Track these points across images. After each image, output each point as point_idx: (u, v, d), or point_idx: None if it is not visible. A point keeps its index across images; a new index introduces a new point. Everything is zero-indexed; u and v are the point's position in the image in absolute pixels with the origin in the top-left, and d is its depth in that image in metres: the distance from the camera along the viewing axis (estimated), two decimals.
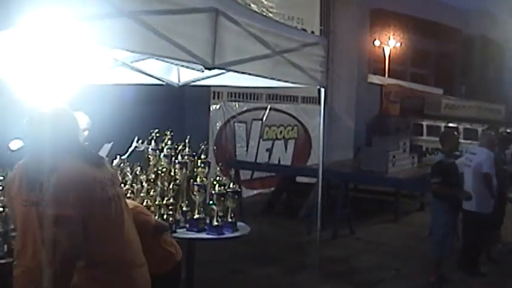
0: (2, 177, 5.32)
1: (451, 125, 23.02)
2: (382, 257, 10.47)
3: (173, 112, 11.86)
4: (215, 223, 6.22)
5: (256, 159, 16.70)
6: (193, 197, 6.32)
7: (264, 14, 13.89)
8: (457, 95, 34.61)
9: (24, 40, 4.72)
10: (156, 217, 5.79)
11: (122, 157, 5.97)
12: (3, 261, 4.66)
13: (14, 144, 5.84)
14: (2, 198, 4.97)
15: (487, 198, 9.00)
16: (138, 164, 5.93)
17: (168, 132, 6.46)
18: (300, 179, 14.64)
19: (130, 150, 6.35)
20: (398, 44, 41.00)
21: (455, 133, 10.47)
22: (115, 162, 5.83)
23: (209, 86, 12.01)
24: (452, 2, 43.80)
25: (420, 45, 45.11)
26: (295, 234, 11.49)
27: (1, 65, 5.66)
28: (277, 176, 15.61)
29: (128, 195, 5.52)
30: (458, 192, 8.62)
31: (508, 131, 22.85)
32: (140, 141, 6.38)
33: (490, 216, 9.09)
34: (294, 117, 18.61)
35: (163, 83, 7.21)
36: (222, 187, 6.34)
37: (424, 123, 24.36)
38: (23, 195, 4.06)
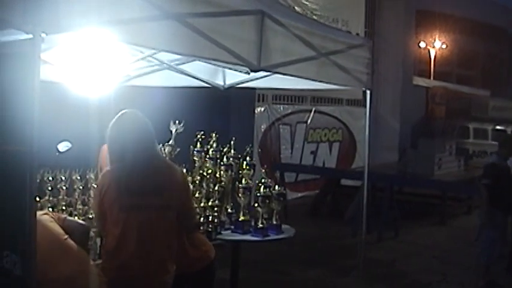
0: (51, 178, 5.42)
1: (498, 127, 22.66)
2: (428, 260, 10.33)
3: (218, 114, 11.91)
4: (260, 225, 6.22)
5: (300, 161, 16.67)
6: (238, 199, 6.33)
7: (309, 16, 13.88)
8: (505, 96, 34.05)
9: (75, 45, 4.80)
10: (202, 219, 5.81)
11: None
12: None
13: (62, 146, 5.92)
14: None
15: None
16: (184, 165, 5.97)
17: (214, 135, 6.49)
18: (344, 181, 14.55)
19: None
20: (443, 46, 40.54)
21: None
22: None
23: (254, 89, 12.05)
24: (499, 1, 43.11)
25: (466, 46, 44.54)
26: (340, 237, 11.44)
27: (57, 69, 5.77)
28: (321, 178, 15.54)
29: None
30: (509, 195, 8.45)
31: None
32: None
33: None
34: (338, 119, 18.52)
35: (209, 86, 7.25)
36: (267, 189, 6.34)
37: (471, 125, 24.05)
38: (122, 201, 4.09)
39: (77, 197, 5.47)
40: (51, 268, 3.84)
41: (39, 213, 4.52)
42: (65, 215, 4.61)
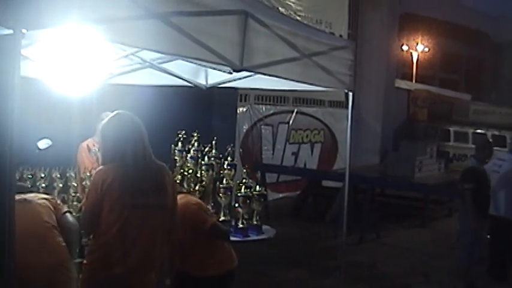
0: (30, 176, 5.38)
1: (479, 131, 22.81)
2: (410, 262, 10.38)
3: (200, 114, 11.88)
4: (240, 225, 6.24)
5: (282, 162, 16.67)
6: (219, 199, 6.33)
7: (293, 17, 13.88)
8: (486, 100, 34.27)
9: (56, 42, 4.76)
10: None
11: None
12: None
13: (42, 143, 5.89)
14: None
15: None
16: (165, 164, 5.96)
17: (195, 134, 6.48)
18: (326, 183, 14.58)
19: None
20: (426, 49, 40.73)
21: (491, 141, 10.37)
22: None
23: (237, 89, 12.03)
24: (482, 7, 43.51)
25: (449, 50, 44.76)
26: (322, 238, 11.46)
27: (39, 65, 5.72)
28: (303, 179, 15.56)
29: None
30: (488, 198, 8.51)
31: None
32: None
33: None
34: (320, 121, 18.55)
35: (191, 85, 7.23)
36: (248, 190, 6.34)
37: (452, 129, 24.19)
38: (126, 199, 4.09)
39: (56, 195, 5.44)
40: (32, 255, 3.90)
41: (41, 195, 4.55)
42: (67, 210, 4.61)
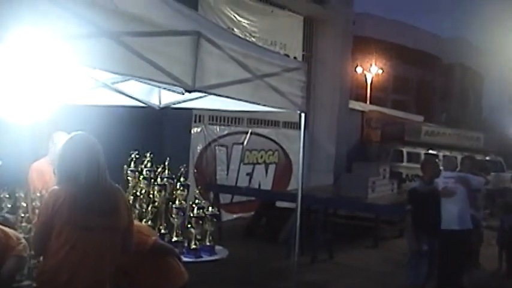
0: None
1: (431, 152, 23.17)
2: (361, 282, 10.46)
3: (154, 134, 11.84)
4: (193, 246, 6.22)
5: (236, 183, 16.67)
6: (171, 219, 6.31)
7: (248, 38, 13.97)
8: (437, 122, 34.93)
9: (5, 58, 4.70)
10: None
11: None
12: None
13: None
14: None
15: (467, 214, 9.08)
16: (117, 185, 5.91)
17: (148, 154, 6.45)
18: (280, 203, 14.60)
19: None
20: (380, 71, 41.31)
21: (437, 161, 10.58)
22: None
23: (191, 109, 12.03)
24: (433, 30, 44.63)
25: (401, 72, 45.57)
26: (274, 259, 11.45)
27: None
28: (257, 200, 15.56)
29: None
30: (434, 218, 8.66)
31: (487, 158, 23.11)
32: None
33: (470, 233, 9.17)
34: (275, 141, 18.63)
35: (145, 105, 7.20)
36: (201, 210, 6.33)
37: (404, 149, 24.54)
38: (76, 220, 4.04)
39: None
40: None
41: None
42: (22, 243, 4.50)
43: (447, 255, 9.00)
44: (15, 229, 4.79)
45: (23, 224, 5.07)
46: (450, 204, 8.96)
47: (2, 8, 2.98)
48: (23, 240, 4.45)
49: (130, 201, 5.92)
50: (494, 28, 51.69)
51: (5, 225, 4.51)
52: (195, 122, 15.12)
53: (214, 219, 6.53)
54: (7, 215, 5.07)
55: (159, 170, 6.55)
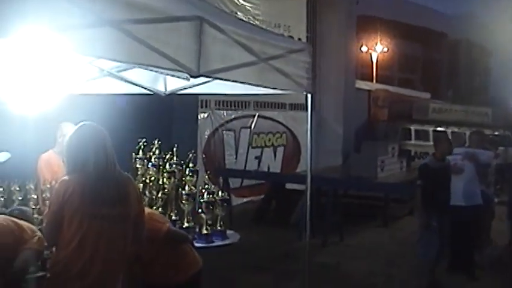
0: None
1: (439, 129, 23.09)
2: (373, 262, 10.44)
3: (161, 121, 11.83)
4: (204, 231, 6.22)
5: (245, 167, 16.69)
6: (182, 205, 6.31)
7: (251, 21, 13.90)
8: (444, 99, 34.80)
9: (10, 51, 4.70)
10: None
11: None
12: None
13: (1, 157, 5.81)
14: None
15: (475, 190, 9.11)
16: (127, 173, 5.92)
17: (156, 142, 6.45)
18: (289, 186, 14.59)
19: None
20: (385, 50, 41.15)
21: (449, 137, 10.58)
22: None
23: (196, 95, 12.01)
24: (438, 7, 44.35)
25: (407, 50, 45.38)
26: (286, 242, 11.45)
27: None
28: (266, 183, 15.56)
29: None
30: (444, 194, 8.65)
31: (496, 133, 23.02)
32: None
33: (480, 209, 9.18)
34: (282, 124, 18.62)
35: (151, 92, 7.19)
36: (211, 195, 6.33)
37: (412, 127, 24.46)
38: (86, 209, 4.06)
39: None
40: None
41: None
42: (37, 236, 4.48)
43: (456, 231, 9.00)
44: (32, 222, 4.78)
45: (35, 216, 5.09)
46: (458, 181, 8.96)
47: (5, 1, 2.96)
48: (39, 233, 4.44)
49: (140, 189, 5.94)
50: (501, 2, 51.39)
51: (21, 219, 4.50)
52: (202, 107, 15.09)
53: (225, 204, 6.53)
54: (24, 208, 5.07)
55: (168, 156, 6.55)
